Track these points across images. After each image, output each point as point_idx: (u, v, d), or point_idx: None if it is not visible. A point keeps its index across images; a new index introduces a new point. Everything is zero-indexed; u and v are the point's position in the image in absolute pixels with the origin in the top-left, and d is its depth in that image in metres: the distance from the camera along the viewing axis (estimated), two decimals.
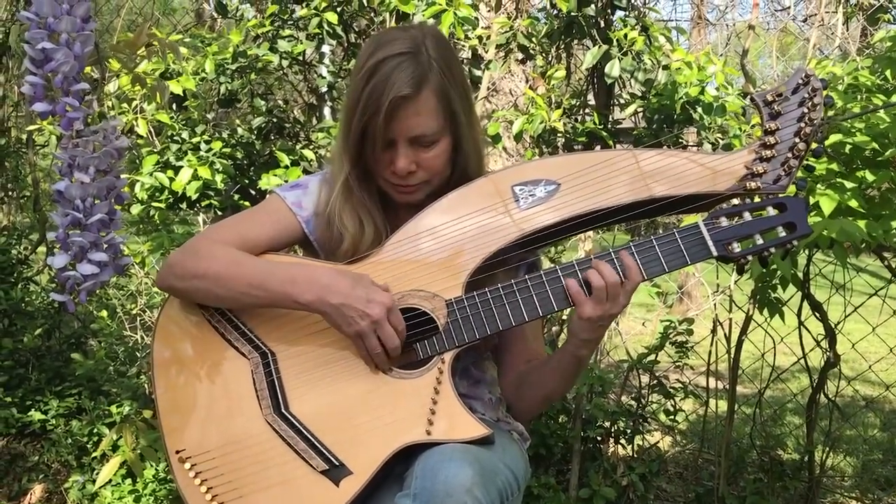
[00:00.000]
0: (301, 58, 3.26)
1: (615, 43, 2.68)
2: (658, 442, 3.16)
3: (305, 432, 1.36)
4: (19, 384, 3.31)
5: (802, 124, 1.34)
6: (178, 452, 1.40)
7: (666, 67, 2.66)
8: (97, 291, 1.33)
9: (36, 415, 3.18)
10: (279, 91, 3.63)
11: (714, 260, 1.38)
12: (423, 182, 1.44)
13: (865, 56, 3.04)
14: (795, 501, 2.77)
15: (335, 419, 1.36)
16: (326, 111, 3.41)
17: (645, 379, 2.87)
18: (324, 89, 3.36)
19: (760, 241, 1.34)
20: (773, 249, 1.34)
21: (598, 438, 2.81)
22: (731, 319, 2.86)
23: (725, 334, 2.86)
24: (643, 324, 3.27)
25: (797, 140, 1.34)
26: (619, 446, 2.91)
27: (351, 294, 1.32)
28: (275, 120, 3.20)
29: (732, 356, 2.77)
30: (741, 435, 3.29)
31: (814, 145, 1.35)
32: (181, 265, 1.42)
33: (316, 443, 1.35)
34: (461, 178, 1.46)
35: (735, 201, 1.39)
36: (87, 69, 1.33)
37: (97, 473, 2.93)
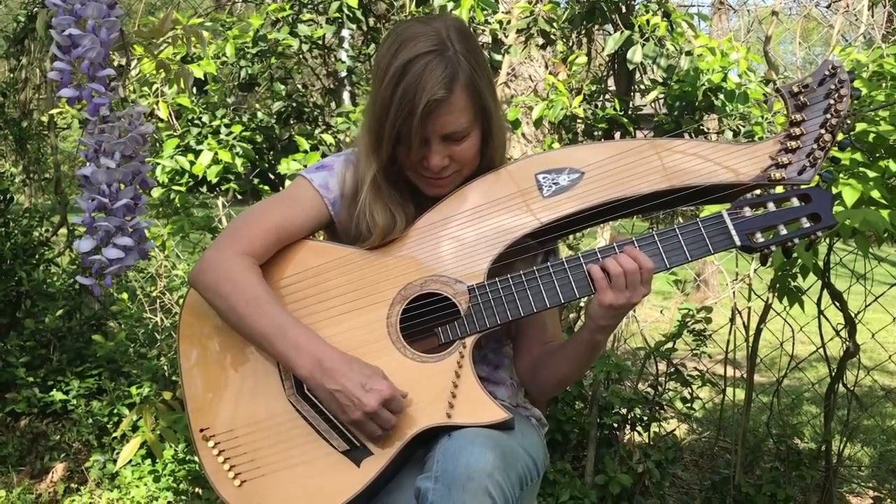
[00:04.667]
0: (321, 42, 3.25)
1: (637, 28, 2.66)
2: (674, 430, 3.16)
3: (327, 413, 1.37)
4: (41, 364, 3.36)
5: (828, 116, 1.33)
6: (202, 431, 1.43)
7: (689, 53, 2.63)
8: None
9: (57, 395, 3.23)
10: (298, 76, 3.63)
11: (737, 249, 1.37)
12: (455, 173, 1.44)
13: (891, 43, 3.00)
14: (812, 490, 2.77)
15: None
16: (345, 95, 3.41)
17: (662, 366, 2.87)
18: (343, 74, 3.36)
19: (784, 232, 1.33)
20: (796, 240, 1.33)
21: (615, 425, 2.81)
22: (749, 308, 2.85)
23: (744, 323, 2.85)
24: (661, 311, 3.27)
25: (823, 131, 1.33)
26: (635, 433, 2.92)
27: (348, 382, 1.31)
28: (294, 104, 3.21)
29: (751, 345, 2.76)
30: (757, 424, 3.28)
31: (840, 137, 1.35)
32: (211, 274, 1.42)
33: (337, 423, 1.36)
34: (488, 167, 1.47)
35: (759, 192, 1.38)
36: (112, 55, 1.34)
37: (117, 453, 2.97)
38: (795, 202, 1.34)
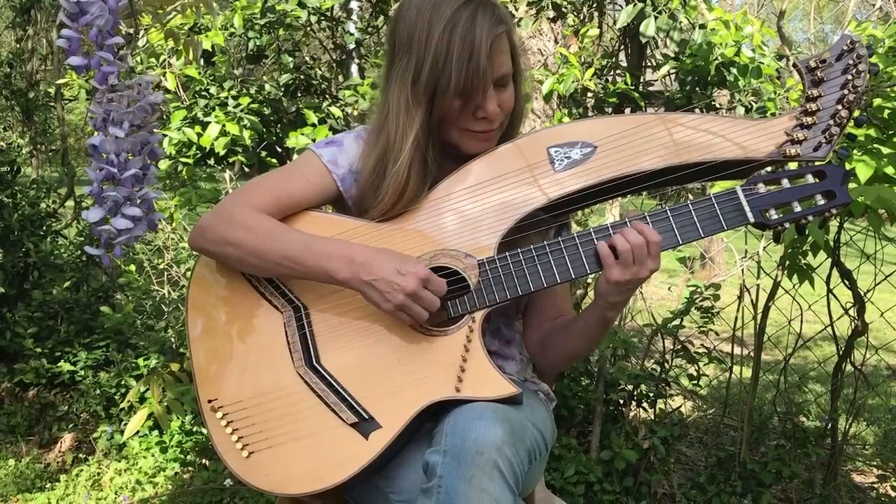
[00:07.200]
0: (329, 14, 3.22)
1: (650, 1, 2.62)
2: (680, 406, 3.16)
3: (336, 385, 1.37)
4: (49, 335, 3.38)
5: (846, 91, 1.31)
6: (210, 402, 1.43)
7: (702, 27, 2.60)
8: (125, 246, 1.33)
9: (65, 366, 3.25)
10: (306, 48, 3.60)
11: (750, 226, 1.36)
12: (499, 126, 1.45)
13: None
14: (816, 468, 2.78)
15: (365, 373, 1.37)
16: (353, 68, 3.39)
17: (668, 343, 2.87)
18: (351, 46, 3.33)
19: (798, 209, 1.32)
20: (810, 217, 1.32)
21: (621, 401, 2.81)
22: (758, 285, 2.83)
23: (752, 300, 2.84)
24: (669, 288, 3.25)
25: (839, 107, 1.31)
26: (641, 410, 2.92)
27: (385, 269, 1.32)
28: (302, 77, 3.18)
29: (759, 322, 2.75)
30: (763, 401, 3.28)
31: (857, 113, 1.32)
32: (214, 230, 1.42)
33: (346, 396, 1.36)
34: (511, 127, 1.48)
35: (773, 168, 1.36)
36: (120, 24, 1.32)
37: (125, 424, 2.99)
38: (810, 179, 1.32)
